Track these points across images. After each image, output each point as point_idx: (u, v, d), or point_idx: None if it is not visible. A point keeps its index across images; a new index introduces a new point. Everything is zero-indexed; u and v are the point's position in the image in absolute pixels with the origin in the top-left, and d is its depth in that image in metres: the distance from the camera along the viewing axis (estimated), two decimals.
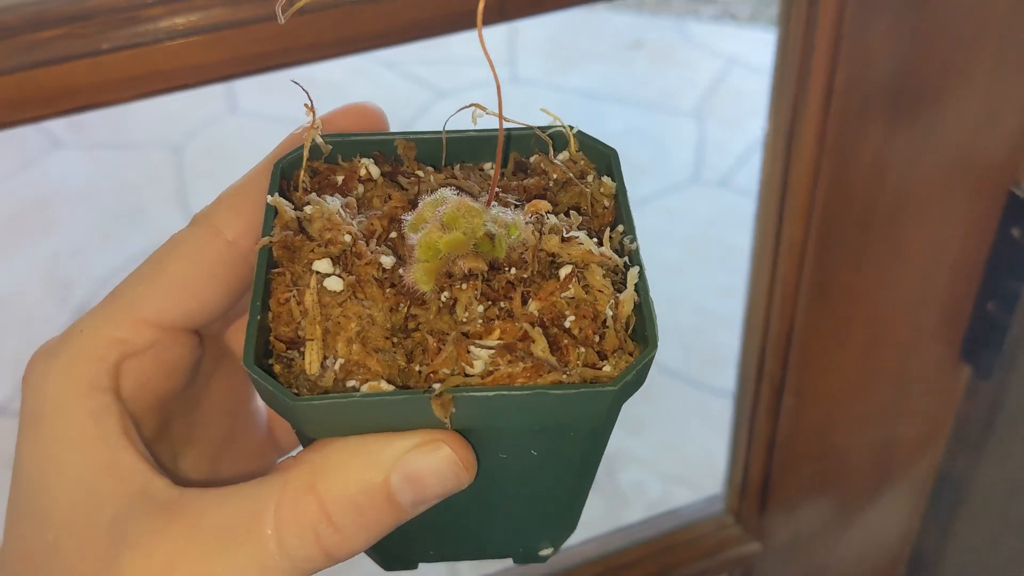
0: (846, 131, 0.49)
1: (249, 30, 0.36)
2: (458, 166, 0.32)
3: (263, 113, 2.24)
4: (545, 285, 0.27)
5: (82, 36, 0.35)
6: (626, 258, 0.28)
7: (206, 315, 0.30)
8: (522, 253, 0.27)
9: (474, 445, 0.26)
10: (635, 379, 0.25)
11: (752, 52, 2.54)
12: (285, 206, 0.29)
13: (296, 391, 0.25)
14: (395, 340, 0.26)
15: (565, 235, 0.28)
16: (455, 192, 0.27)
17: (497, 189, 0.30)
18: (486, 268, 0.26)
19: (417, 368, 0.26)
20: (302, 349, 0.26)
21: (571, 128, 0.32)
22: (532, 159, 0.32)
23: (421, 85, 2.32)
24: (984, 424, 0.61)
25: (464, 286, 0.26)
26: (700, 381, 1.61)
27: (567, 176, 0.31)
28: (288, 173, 0.31)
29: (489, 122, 0.31)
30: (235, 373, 0.35)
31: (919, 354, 0.60)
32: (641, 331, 0.26)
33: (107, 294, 0.30)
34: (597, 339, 0.26)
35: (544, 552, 0.34)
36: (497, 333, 0.26)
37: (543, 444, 0.28)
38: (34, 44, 0.34)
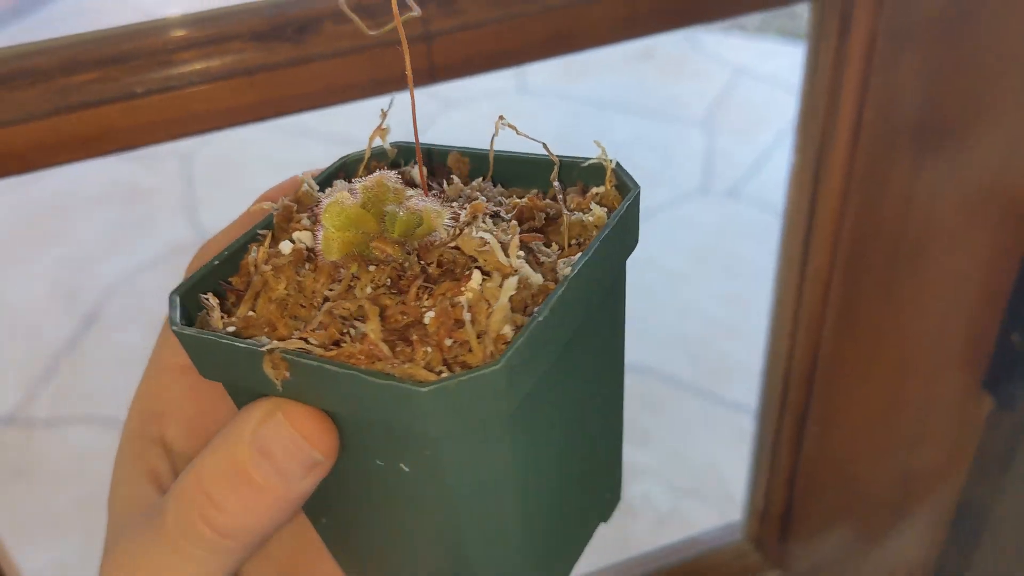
0: (874, 163, 0.49)
1: (281, 73, 0.36)
2: (498, 186, 0.32)
3: (272, 123, 2.24)
4: (444, 284, 0.25)
5: (115, 79, 0.34)
6: (539, 275, 0.25)
7: None
8: (439, 248, 0.26)
9: (350, 443, 0.26)
10: (468, 393, 0.22)
11: (761, 62, 2.54)
12: (310, 183, 0.30)
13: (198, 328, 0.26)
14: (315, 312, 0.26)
15: (480, 239, 0.26)
16: (398, 178, 0.27)
17: (496, 209, 0.29)
18: (398, 252, 0.26)
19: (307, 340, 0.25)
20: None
21: (611, 161, 0.31)
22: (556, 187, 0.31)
23: (428, 95, 2.32)
24: (1006, 454, 0.61)
25: (372, 268, 0.26)
26: (707, 391, 1.60)
27: (558, 207, 0.29)
28: (350, 169, 0.32)
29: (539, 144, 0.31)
30: None
31: (942, 383, 0.59)
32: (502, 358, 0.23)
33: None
34: (453, 344, 0.24)
35: None
36: (379, 315, 0.25)
37: (407, 457, 0.26)
38: (68, 88, 0.34)
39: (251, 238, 0.28)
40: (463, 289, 0.25)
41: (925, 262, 0.54)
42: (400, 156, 0.32)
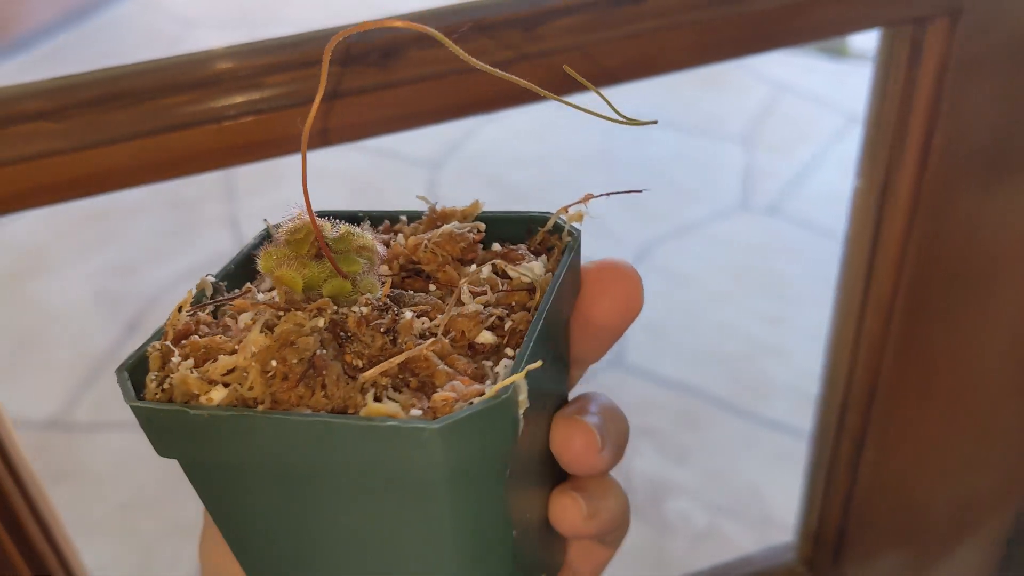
0: (941, 189, 0.49)
1: (366, 97, 0.37)
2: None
3: None
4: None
5: (206, 101, 0.35)
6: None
7: None
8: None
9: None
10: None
11: (802, 79, 2.54)
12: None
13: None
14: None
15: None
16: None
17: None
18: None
19: None
20: None
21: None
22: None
23: None
24: None
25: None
26: (746, 411, 1.59)
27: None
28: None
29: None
30: None
31: (1002, 410, 0.59)
32: None
33: None
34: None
35: None
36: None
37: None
38: (160, 110, 0.35)
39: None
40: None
41: (989, 290, 0.53)
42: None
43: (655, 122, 0.32)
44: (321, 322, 0.26)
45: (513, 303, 0.28)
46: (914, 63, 0.46)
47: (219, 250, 2.05)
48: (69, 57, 2.98)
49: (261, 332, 0.26)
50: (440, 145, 2.29)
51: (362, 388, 0.25)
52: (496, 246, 0.32)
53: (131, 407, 0.26)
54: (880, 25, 0.45)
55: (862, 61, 2.63)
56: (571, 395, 0.34)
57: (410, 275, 0.31)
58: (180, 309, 0.29)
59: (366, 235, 0.28)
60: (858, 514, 0.61)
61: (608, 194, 0.32)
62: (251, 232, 2.08)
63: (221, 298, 0.30)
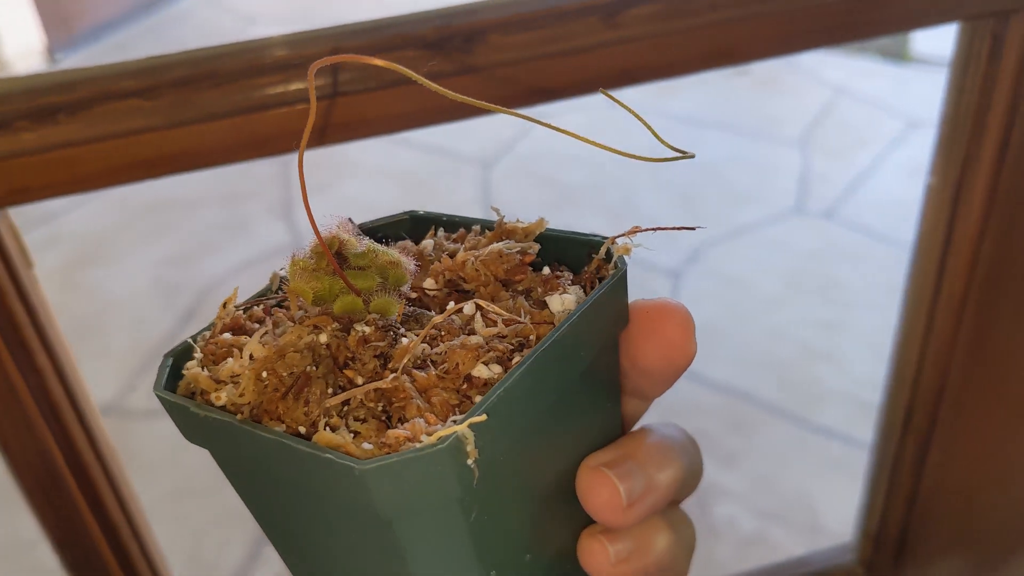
0: (1018, 188, 0.48)
1: (449, 81, 0.37)
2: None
3: None
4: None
5: (294, 83, 0.36)
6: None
7: None
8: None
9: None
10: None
11: (860, 82, 2.51)
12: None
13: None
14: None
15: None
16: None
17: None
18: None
19: None
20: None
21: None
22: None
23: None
24: None
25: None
26: (797, 416, 1.58)
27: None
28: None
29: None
30: None
31: None
32: None
33: None
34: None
35: None
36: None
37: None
38: (249, 89, 0.36)
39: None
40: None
41: None
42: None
43: (692, 155, 0.31)
44: (323, 337, 0.27)
45: (532, 337, 0.27)
46: (994, 58, 0.45)
47: (274, 242, 2.08)
48: (133, 51, 3.04)
49: (262, 342, 0.27)
50: (493, 144, 2.30)
51: (327, 411, 0.25)
52: (546, 269, 0.30)
53: (156, 394, 0.27)
54: (961, 18, 0.44)
55: (923, 65, 2.59)
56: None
57: (455, 292, 0.30)
58: (224, 305, 0.30)
59: (392, 252, 0.28)
60: (921, 516, 0.60)
61: (656, 229, 0.30)
62: (306, 226, 2.10)
63: (263, 298, 0.31)
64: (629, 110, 0.30)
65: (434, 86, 0.25)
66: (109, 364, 1.76)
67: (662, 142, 0.31)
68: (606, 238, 0.30)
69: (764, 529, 1.41)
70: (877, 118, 2.39)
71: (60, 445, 0.41)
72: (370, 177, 2.26)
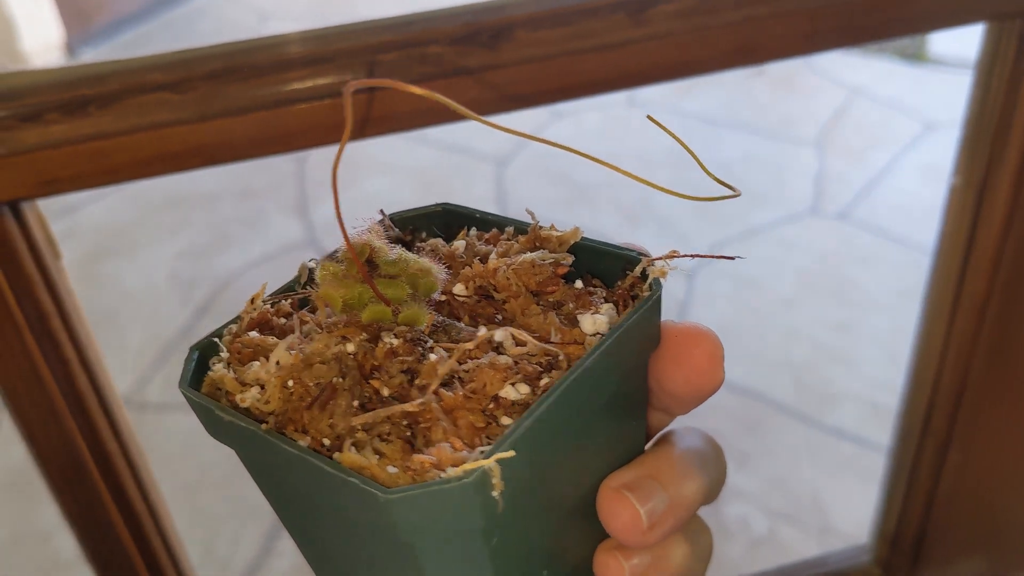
0: None
1: (476, 77, 0.37)
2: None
3: None
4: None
5: (323, 77, 0.36)
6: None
7: None
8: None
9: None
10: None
11: (876, 83, 2.49)
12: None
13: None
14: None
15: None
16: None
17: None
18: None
19: None
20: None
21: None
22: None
23: None
24: None
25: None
26: (811, 417, 1.58)
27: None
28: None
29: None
30: None
31: None
32: None
33: None
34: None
35: None
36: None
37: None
38: (277, 83, 0.36)
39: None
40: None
41: None
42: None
43: (737, 193, 0.30)
44: (351, 347, 0.26)
45: (560, 356, 0.27)
46: (1021, 58, 0.45)
47: (289, 238, 2.08)
48: (151, 46, 3.06)
49: (288, 349, 0.27)
50: (508, 141, 2.30)
51: (352, 430, 0.25)
52: (579, 282, 0.30)
53: (181, 391, 0.27)
54: (988, 18, 0.44)
55: (941, 66, 2.58)
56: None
57: (484, 299, 0.29)
58: (252, 301, 0.30)
59: (423, 260, 0.27)
60: (939, 518, 0.60)
61: (694, 256, 0.30)
62: (321, 222, 2.12)
63: (291, 293, 0.30)
64: (675, 138, 0.30)
65: (466, 111, 0.25)
66: (125, 357, 1.77)
67: (710, 175, 0.31)
68: (642, 255, 0.29)
69: (775, 530, 1.41)
70: (894, 119, 2.37)
71: (84, 436, 0.42)
72: (386, 174, 2.26)
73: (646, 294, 0.28)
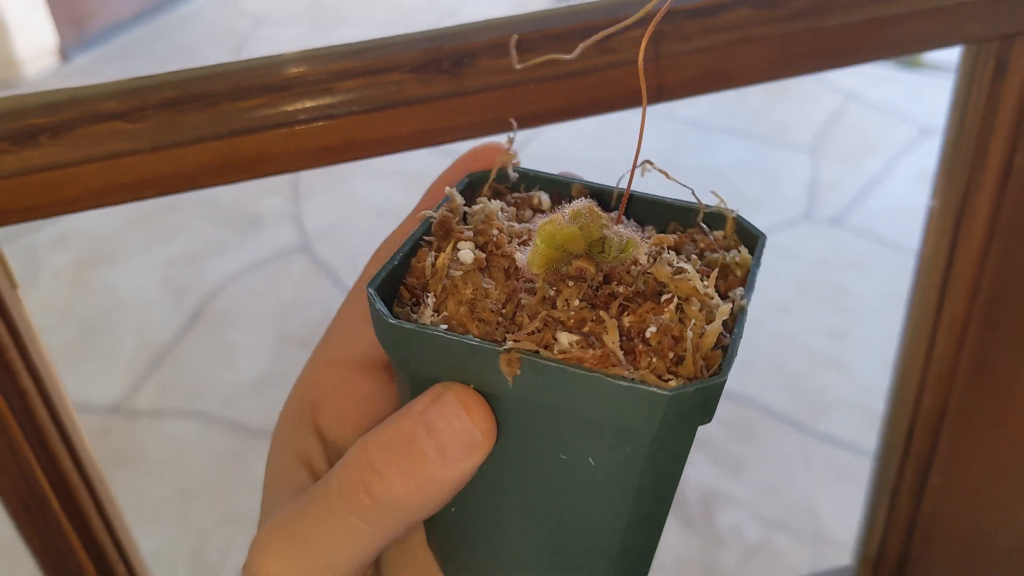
0: (1022, 213, 0.47)
1: (437, 104, 0.36)
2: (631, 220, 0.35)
3: None
4: (644, 304, 0.28)
5: (279, 105, 0.36)
6: (731, 305, 0.29)
7: (379, 350, 0.33)
8: (631, 271, 0.29)
9: (535, 437, 0.28)
10: (697, 399, 0.26)
11: (872, 89, 2.49)
12: (457, 197, 0.32)
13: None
14: (499, 319, 0.28)
15: (675, 267, 0.29)
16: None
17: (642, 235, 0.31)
18: (595, 272, 0.28)
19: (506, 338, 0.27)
20: (425, 299, 0.29)
21: (731, 212, 0.34)
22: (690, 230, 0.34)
23: None
24: None
25: (571, 284, 0.28)
26: (804, 424, 1.57)
27: (711, 244, 0.33)
28: (475, 186, 0.34)
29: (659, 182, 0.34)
30: None
31: None
32: (723, 370, 0.27)
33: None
34: (672, 357, 0.27)
35: None
36: (584, 326, 0.27)
37: (601, 451, 0.28)
38: (233, 113, 0.35)
39: (416, 243, 0.31)
40: (665, 310, 0.28)
41: None
42: (520, 181, 0.35)
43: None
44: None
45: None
46: (998, 80, 0.44)
47: (282, 244, 2.07)
48: (144, 51, 3.05)
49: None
50: (541, 132, 2.29)
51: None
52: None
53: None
54: (967, 41, 0.43)
55: (936, 72, 2.57)
56: None
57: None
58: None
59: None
60: (922, 541, 0.60)
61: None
62: (313, 228, 2.11)
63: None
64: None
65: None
66: (117, 364, 1.77)
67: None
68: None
69: (769, 537, 1.41)
70: (888, 124, 2.37)
71: (44, 468, 0.41)
72: (377, 178, 2.25)
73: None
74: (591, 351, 0.26)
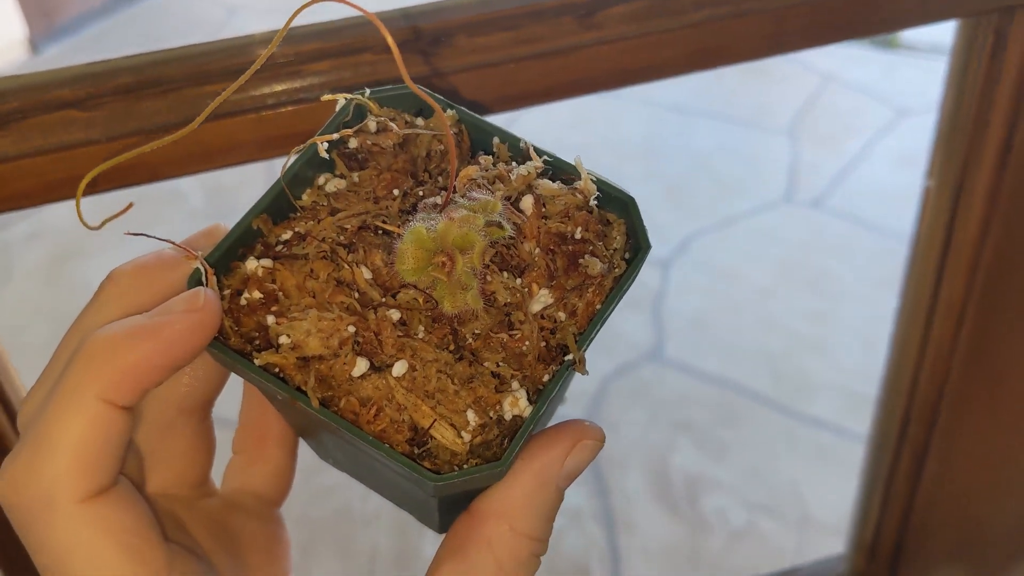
0: (1021, 191, 0.46)
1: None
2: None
3: None
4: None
5: (244, 91, 0.33)
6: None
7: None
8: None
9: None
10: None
11: (849, 69, 2.48)
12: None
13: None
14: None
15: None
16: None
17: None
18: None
19: None
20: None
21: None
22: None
23: None
24: None
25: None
26: (788, 407, 1.57)
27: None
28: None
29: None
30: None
31: None
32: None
33: None
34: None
35: None
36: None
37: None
38: (195, 98, 0.33)
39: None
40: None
41: None
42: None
43: None
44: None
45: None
46: (997, 55, 0.43)
47: None
48: (115, 41, 3.00)
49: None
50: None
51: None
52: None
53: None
54: (966, 15, 0.42)
55: (912, 52, 2.57)
56: None
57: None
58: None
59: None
60: (917, 527, 0.58)
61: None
62: None
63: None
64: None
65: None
66: None
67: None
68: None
69: (754, 521, 1.40)
70: (866, 106, 2.36)
71: None
72: None
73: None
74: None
